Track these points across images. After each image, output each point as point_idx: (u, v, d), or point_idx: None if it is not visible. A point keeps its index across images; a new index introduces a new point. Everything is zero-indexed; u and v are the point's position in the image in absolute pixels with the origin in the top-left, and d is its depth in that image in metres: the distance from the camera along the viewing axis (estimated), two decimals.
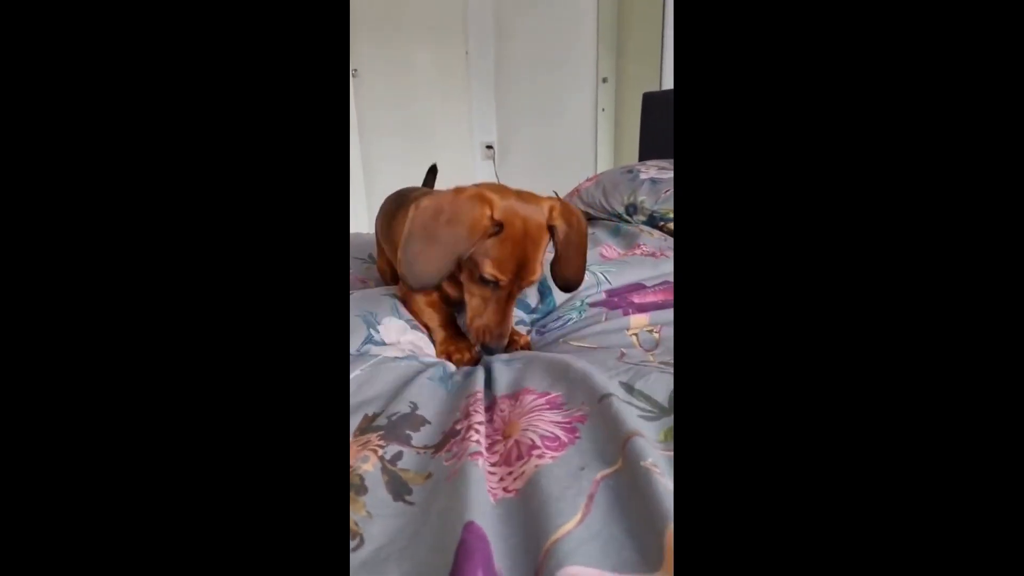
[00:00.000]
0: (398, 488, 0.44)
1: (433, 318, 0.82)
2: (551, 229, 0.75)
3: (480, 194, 0.71)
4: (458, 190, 0.72)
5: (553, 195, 0.85)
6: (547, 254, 0.78)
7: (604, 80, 2.74)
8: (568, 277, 0.80)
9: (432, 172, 1.47)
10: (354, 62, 2.75)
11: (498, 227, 0.70)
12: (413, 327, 0.80)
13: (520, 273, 0.73)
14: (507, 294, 0.74)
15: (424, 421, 0.55)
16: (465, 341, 0.80)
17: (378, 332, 0.76)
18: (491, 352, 0.75)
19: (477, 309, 0.76)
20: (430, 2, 3.00)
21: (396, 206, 1.04)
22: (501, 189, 0.76)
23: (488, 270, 0.72)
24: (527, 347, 0.80)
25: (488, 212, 0.69)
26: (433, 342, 0.81)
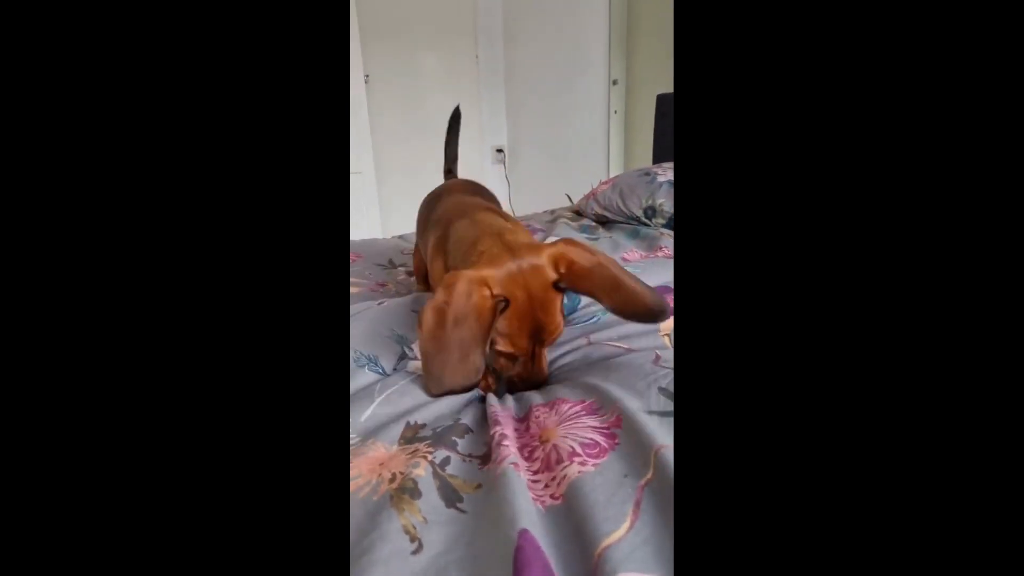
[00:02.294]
0: (449, 495, 0.46)
1: None
2: (557, 285, 0.68)
3: (473, 279, 0.65)
4: (448, 283, 0.65)
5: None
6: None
7: (615, 82, 2.75)
8: (639, 309, 0.68)
9: (455, 118, 1.36)
10: (366, 67, 2.76)
11: (504, 301, 0.65)
12: None
13: (538, 337, 0.68)
14: (530, 356, 0.70)
15: (468, 429, 0.57)
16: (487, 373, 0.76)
17: (412, 351, 0.77)
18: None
19: (506, 368, 0.72)
20: (440, 7, 3.02)
21: (434, 197, 1.04)
22: (495, 253, 0.69)
23: (502, 348, 0.68)
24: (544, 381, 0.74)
25: (487, 293, 0.64)
26: None
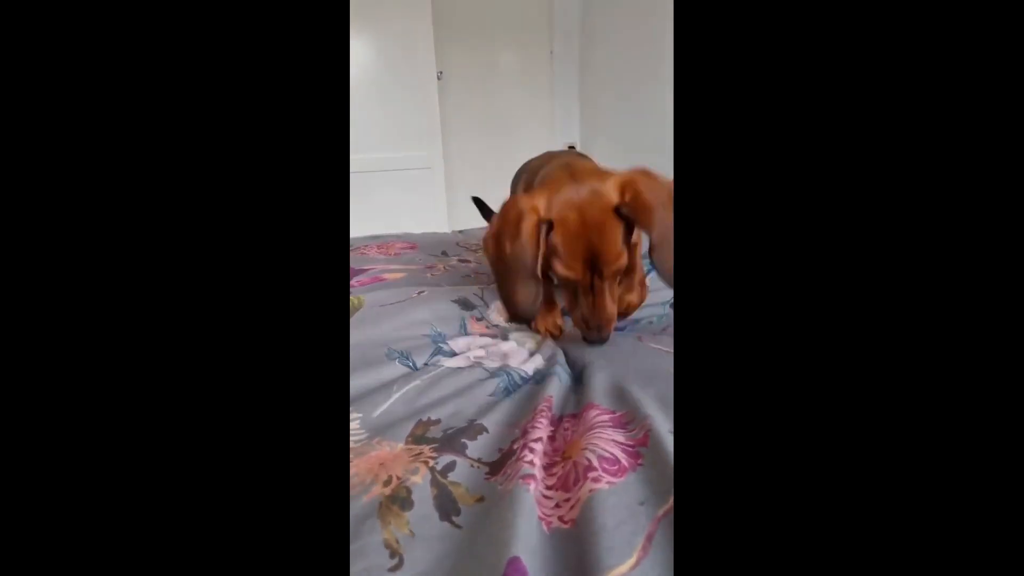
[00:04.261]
0: (446, 506, 0.42)
1: None
2: (619, 210, 0.67)
3: (521, 201, 0.68)
4: (502, 209, 0.70)
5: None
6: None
7: None
8: (669, 266, 0.66)
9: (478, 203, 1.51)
10: (439, 64, 2.79)
11: (549, 223, 0.67)
12: (480, 343, 0.78)
13: (595, 264, 0.68)
14: (589, 286, 0.70)
15: (482, 429, 0.53)
16: (556, 310, 0.79)
17: (448, 346, 0.75)
18: (592, 343, 0.72)
19: (571, 302, 0.73)
20: (515, 3, 3.01)
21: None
22: (556, 178, 0.71)
23: (559, 271, 0.69)
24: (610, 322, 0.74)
25: (535, 217, 0.67)
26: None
